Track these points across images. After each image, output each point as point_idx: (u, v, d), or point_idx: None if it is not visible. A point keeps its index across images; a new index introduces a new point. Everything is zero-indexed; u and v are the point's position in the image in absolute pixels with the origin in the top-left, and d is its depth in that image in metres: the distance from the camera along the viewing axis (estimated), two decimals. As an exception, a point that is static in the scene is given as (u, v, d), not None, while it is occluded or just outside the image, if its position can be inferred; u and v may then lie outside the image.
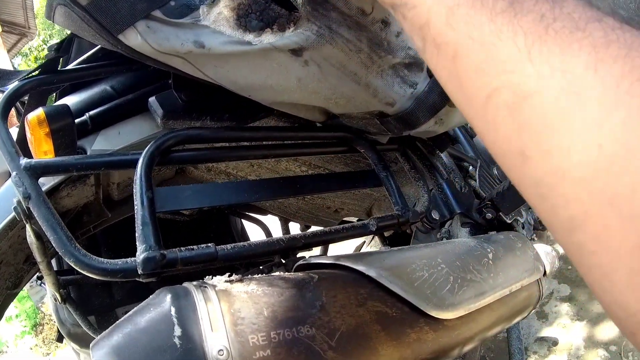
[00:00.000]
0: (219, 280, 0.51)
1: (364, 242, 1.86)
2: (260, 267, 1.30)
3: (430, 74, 0.73)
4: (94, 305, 1.38)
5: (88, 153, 0.75)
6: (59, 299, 1.09)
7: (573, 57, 0.28)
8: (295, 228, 1.60)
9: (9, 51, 9.09)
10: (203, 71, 0.63)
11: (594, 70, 0.27)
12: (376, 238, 1.58)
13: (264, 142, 0.76)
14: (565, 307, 2.12)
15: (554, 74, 0.28)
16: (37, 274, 1.14)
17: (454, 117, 0.78)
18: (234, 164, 1.06)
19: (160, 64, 0.63)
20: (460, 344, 0.65)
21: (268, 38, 0.61)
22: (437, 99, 0.71)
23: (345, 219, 1.43)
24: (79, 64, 0.79)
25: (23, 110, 0.86)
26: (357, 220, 1.43)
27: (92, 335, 1.20)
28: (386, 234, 1.39)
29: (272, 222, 1.65)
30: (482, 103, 0.33)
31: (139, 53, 0.61)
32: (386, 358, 0.53)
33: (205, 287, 0.48)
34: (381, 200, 1.29)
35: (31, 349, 4.33)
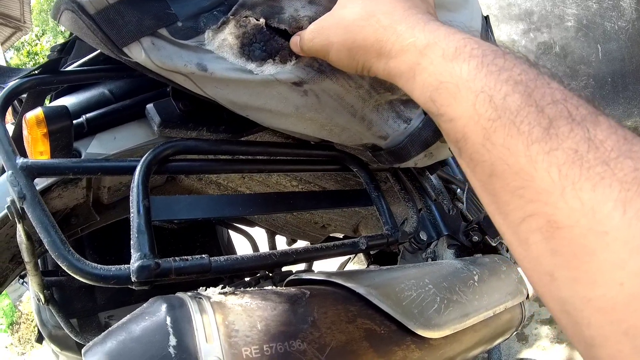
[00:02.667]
0: (213, 292, 0.51)
1: (349, 258, 1.87)
2: (246, 279, 1.30)
3: (425, 112, 0.74)
4: (77, 308, 1.36)
5: (83, 155, 0.75)
6: (43, 300, 1.09)
7: (603, 195, 0.29)
8: (281, 241, 1.61)
9: (2, 44, 9.05)
10: (203, 89, 0.64)
11: (622, 211, 0.28)
12: (361, 255, 1.59)
13: (259, 157, 0.76)
14: (545, 330, 2.15)
15: (585, 211, 0.30)
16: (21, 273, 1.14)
17: (443, 151, 0.79)
18: (225, 175, 1.06)
19: (161, 77, 0.64)
20: (445, 363, 0.66)
21: (269, 69, 0.62)
22: (429, 135, 0.72)
23: (331, 234, 1.44)
24: (79, 66, 0.79)
25: (20, 109, 0.86)
26: (344, 237, 1.45)
27: (73, 338, 1.19)
28: (372, 252, 1.41)
29: (259, 234, 1.66)
30: (517, 223, 0.35)
31: (142, 66, 0.61)
32: (373, 375, 0.54)
33: (201, 298, 0.49)
34: (368, 218, 1.30)
35: (6, 347, 4.29)
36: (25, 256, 0.79)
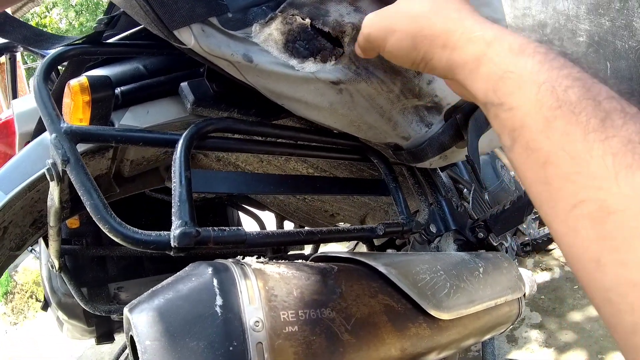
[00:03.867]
0: (252, 261, 0.55)
1: (355, 244, 1.91)
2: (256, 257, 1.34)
3: (446, 118, 0.78)
4: (88, 277, 1.39)
5: (116, 126, 0.77)
6: (57, 266, 1.11)
7: None
8: (289, 226, 1.65)
9: (13, 13, 8.97)
10: (245, 77, 0.67)
11: None
12: (362, 245, 1.63)
13: (288, 141, 0.80)
14: (534, 334, 2.21)
15: (637, 196, 0.32)
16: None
17: (457, 155, 0.84)
18: (244, 157, 1.10)
19: (205, 60, 0.66)
20: (448, 345, 0.70)
21: (310, 67, 0.65)
22: (447, 140, 0.76)
23: (338, 224, 1.48)
24: (120, 39, 0.82)
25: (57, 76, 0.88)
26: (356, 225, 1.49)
27: (83, 306, 1.22)
28: (376, 242, 1.45)
29: (267, 218, 1.69)
30: (567, 210, 0.36)
31: (189, 48, 0.64)
32: (390, 346, 0.59)
33: (242, 265, 0.53)
34: (376, 210, 1.34)
35: (-1, 316, 4.29)
36: (52, 220, 0.80)
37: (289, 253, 1.43)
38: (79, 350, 3.29)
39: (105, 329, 1.51)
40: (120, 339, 1.60)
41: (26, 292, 4.46)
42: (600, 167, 0.34)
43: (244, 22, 0.63)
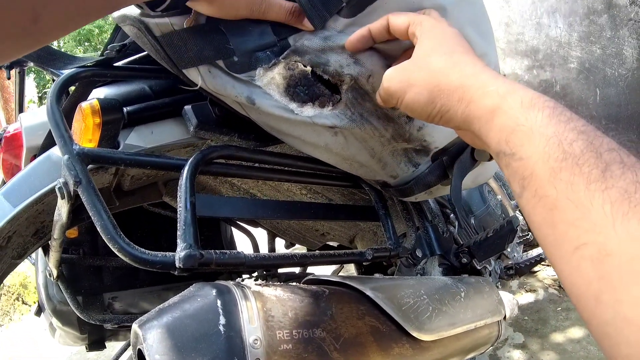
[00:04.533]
0: (251, 283, 0.60)
1: (342, 267, 1.96)
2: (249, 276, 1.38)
3: (433, 159, 0.82)
4: (84, 286, 1.42)
5: (121, 145, 0.80)
6: (55, 275, 1.15)
7: None
8: (280, 243, 1.68)
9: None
10: (248, 114, 0.71)
11: None
12: (350, 266, 1.67)
13: (285, 168, 0.84)
14: (517, 354, 2.26)
15: (632, 241, 0.35)
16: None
17: (441, 190, 0.89)
18: (254, 183, 1.14)
19: (211, 95, 0.71)
20: (431, 365, 0.75)
21: (308, 111, 0.69)
22: (433, 180, 0.81)
23: (327, 242, 1.52)
24: (130, 62, 0.85)
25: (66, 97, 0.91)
26: (338, 246, 1.54)
27: (78, 314, 1.26)
28: (365, 263, 1.50)
29: (259, 235, 1.73)
30: (571, 251, 0.40)
31: (198, 88, 0.68)
32: (375, 366, 0.64)
33: (243, 287, 0.58)
34: (365, 230, 1.39)
35: (-17, 318, 4.27)
36: (57, 233, 0.84)
37: (279, 270, 1.48)
38: (64, 355, 3.29)
39: (96, 337, 1.54)
40: (109, 345, 1.62)
41: (13, 294, 4.44)
42: (600, 214, 0.37)
43: (249, 66, 0.67)
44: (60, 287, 1.25)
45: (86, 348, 1.57)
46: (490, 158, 0.82)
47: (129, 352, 1.58)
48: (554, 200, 0.41)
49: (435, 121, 0.58)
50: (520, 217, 2.22)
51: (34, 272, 1.67)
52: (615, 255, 0.36)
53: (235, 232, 1.80)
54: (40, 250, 1.40)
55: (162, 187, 1.16)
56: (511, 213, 1.77)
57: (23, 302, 4.42)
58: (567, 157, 0.41)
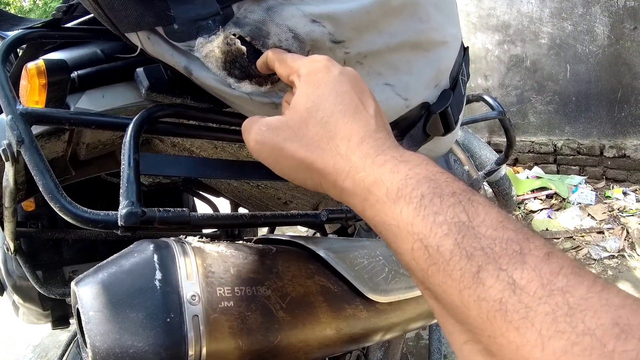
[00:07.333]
0: (193, 240, 0.58)
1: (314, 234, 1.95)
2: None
3: None
4: (43, 260, 1.40)
5: (71, 109, 0.78)
6: (12, 249, 1.12)
7: (524, 336, 0.33)
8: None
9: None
10: (190, 78, 0.70)
11: (540, 348, 0.32)
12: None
13: (237, 128, 0.82)
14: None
15: (511, 348, 0.34)
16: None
17: None
18: (199, 144, 1.12)
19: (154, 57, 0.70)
20: (388, 328, 0.74)
21: (246, 87, 0.67)
22: None
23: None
24: (80, 23, 0.83)
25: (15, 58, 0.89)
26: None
27: (37, 289, 1.23)
28: (329, 230, 1.49)
29: (222, 205, 1.72)
30: (460, 344, 0.39)
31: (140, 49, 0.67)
32: (325, 325, 0.62)
33: (183, 243, 0.56)
34: (328, 198, 1.37)
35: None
36: (7, 201, 0.82)
37: (243, 239, 1.46)
38: (36, 338, 3.26)
39: (60, 313, 1.52)
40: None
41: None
42: (477, 322, 0.36)
43: (189, 35, 0.65)
44: (19, 261, 1.23)
45: (51, 326, 1.54)
46: (445, 133, 0.80)
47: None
48: (436, 296, 0.40)
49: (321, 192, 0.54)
50: (489, 189, 2.24)
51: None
52: (498, 357, 0.35)
53: (199, 203, 1.79)
54: (-3, 225, 1.38)
55: (119, 156, 1.13)
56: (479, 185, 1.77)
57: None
58: (435, 261, 0.39)
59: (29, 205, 1.35)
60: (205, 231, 1.61)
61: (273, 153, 0.54)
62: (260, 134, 0.55)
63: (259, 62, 0.63)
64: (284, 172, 0.54)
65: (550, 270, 0.35)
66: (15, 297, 1.44)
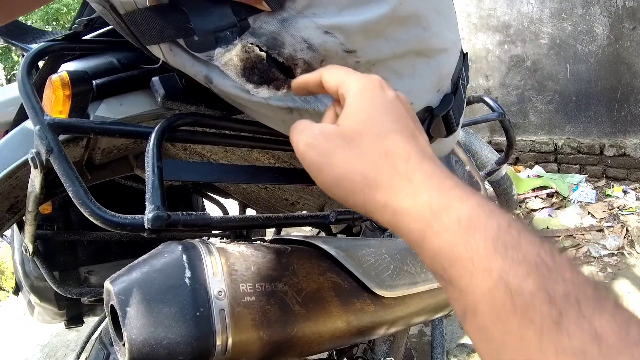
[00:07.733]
0: (216, 241, 0.63)
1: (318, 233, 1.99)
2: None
3: None
4: (59, 261, 1.44)
5: (91, 117, 0.81)
6: (31, 250, 1.17)
7: None
8: (251, 213, 1.71)
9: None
10: (209, 87, 0.73)
11: None
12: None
13: (251, 135, 0.87)
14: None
15: None
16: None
17: None
18: (209, 147, 1.16)
19: (175, 70, 0.74)
20: (393, 321, 0.79)
21: (264, 93, 0.70)
22: None
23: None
24: (98, 35, 0.86)
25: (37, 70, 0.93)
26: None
27: (55, 289, 1.28)
28: (335, 230, 1.53)
29: (231, 206, 1.76)
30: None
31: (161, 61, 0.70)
32: (336, 318, 0.68)
33: (208, 243, 0.61)
34: (334, 200, 1.41)
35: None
36: (31, 205, 0.86)
37: (252, 239, 1.51)
38: (44, 338, 3.31)
39: (75, 312, 1.56)
40: (88, 322, 1.65)
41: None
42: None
43: (208, 46, 0.68)
44: (37, 262, 1.27)
45: (65, 325, 1.59)
46: (447, 134, 0.85)
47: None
48: (502, 344, 0.36)
49: (361, 213, 0.49)
50: (490, 189, 2.28)
51: (10, 255, 1.68)
52: None
53: (208, 205, 1.83)
54: (15, 228, 1.42)
55: (132, 160, 1.18)
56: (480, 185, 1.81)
57: (0, 288, 4.39)
58: (515, 303, 0.34)
59: (45, 208, 1.40)
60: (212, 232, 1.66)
61: (321, 159, 0.50)
62: (312, 137, 0.52)
63: (311, 79, 0.61)
64: (325, 181, 0.50)
65: (623, 320, 0.32)
66: (32, 297, 1.48)
